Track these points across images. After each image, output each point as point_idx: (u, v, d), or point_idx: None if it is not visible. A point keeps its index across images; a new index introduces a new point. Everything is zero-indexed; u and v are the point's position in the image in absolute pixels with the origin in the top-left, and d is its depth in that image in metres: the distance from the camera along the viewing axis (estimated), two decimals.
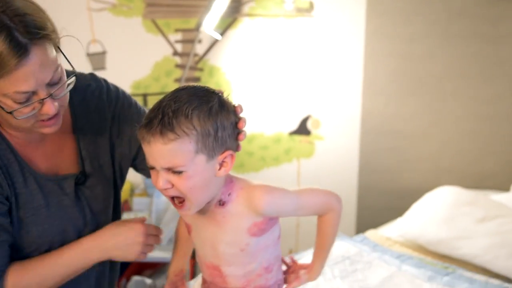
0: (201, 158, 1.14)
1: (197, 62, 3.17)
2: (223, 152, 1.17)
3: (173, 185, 1.15)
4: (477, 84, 3.09)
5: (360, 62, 3.12)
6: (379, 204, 3.22)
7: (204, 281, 1.37)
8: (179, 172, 1.13)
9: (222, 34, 3.09)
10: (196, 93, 1.15)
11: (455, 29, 3.05)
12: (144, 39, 3.14)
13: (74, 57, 3.41)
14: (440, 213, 2.59)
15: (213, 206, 1.23)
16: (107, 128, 1.50)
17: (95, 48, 3.15)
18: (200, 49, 3.16)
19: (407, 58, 3.10)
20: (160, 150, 1.12)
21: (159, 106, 1.14)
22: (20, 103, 1.19)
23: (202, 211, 1.25)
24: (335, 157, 3.22)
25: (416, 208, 2.73)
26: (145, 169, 1.57)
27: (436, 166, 3.19)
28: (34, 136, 1.37)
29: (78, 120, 1.45)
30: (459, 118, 3.13)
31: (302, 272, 1.39)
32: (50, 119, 1.26)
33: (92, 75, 1.54)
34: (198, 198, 1.18)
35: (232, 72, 3.17)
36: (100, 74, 3.27)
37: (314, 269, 1.38)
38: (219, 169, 1.17)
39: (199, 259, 1.35)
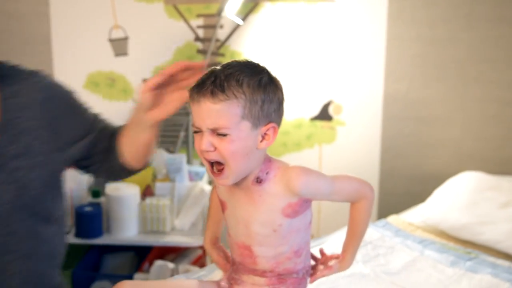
0: (246, 124, 1.19)
1: (218, 48, 3.18)
2: (266, 124, 1.21)
3: (215, 149, 1.19)
4: (501, 68, 3.07)
5: (382, 46, 3.10)
6: (401, 190, 3.21)
7: (233, 262, 1.39)
8: (223, 135, 1.18)
9: (243, 19, 3.09)
10: (248, 65, 1.22)
11: (478, 12, 3.01)
12: (166, 24, 3.15)
13: (97, 42, 3.44)
14: (463, 199, 2.58)
15: (250, 183, 1.26)
16: (40, 127, 1.46)
17: (117, 34, 3.16)
18: (221, 34, 3.16)
19: (429, 43, 3.08)
20: (208, 110, 1.17)
21: (212, 71, 1.21)
22: None
23: (239, 188, 1.27)
24: (356, 143, 3.22)
25: (439, 194, 2.72)
26: (89, 167, 1.60)
27: (459, 152, 3.17)
28: None
29: (7, 112, 1.43)
30: (482, 102, 3.11)
31: (333, 261, 1.40)
32: None
33: (36, 71, 1.52)
34: (237, 166, 1.21)
35: (254, 57, 3.17)
36: (122, 59, 3.31)
37: (346, 258, 1.38)
38: (261, 141, 1.22)
39: (230, 239, 1.36)
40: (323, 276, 1.39)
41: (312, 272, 1.39)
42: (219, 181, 1.24)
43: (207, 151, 1.20)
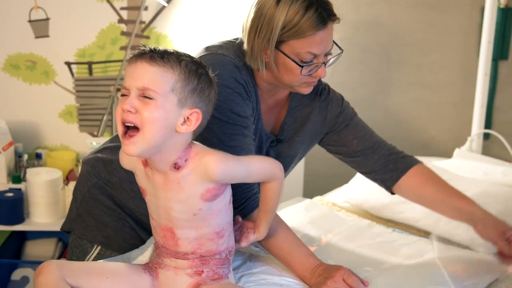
0: (173, 99, 1.20)
1: (143, 30, 3.13)
2: (191, 108, 1.23)
3: (136, 112, 1.19)
4: (422, 52, 3.15)
5: None
6: (325, 171, 3.26)
7: (157, 246, 1.39)
8: (149, 99, 1.19)
9: (168, 1, 3.05)
10: (191, 56, 1.28)
11: None
12: (89, 5, 3.07)
13: (16, 24, 3.30)
14: None
15: (168, 169, 1.25)
16: (312, 117, 1.87)
17: (37, 15, 3.07)
18: (146, 16, 3.11)
19: (353, 26, 3.13)
20: (143, 69, 1.20)
21: (155, 47, 1.26)
22: (305, 62, 1.58)
23: (157, 173, 1.27)
24: None
25: (361, 175, 2.77)
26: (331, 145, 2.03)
27: (381, 134, 3.21)
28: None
29: (293, 100, 1.82)
30: (404, 86, 3.19)
31: (250, 232, 1.47)
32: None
33: None
34: (152, 135, 1.20)
35: (180, 40, 3.14)
36: (43, 42, 3.20)
37: (260, 229, 1.46)
38: (182, 124, 1.21)
39: (154, 222, 1.37)
40: (241, 246, 1.46)
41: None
42: (126, 146, 1.22)
43: (128, 112, 1.19)
